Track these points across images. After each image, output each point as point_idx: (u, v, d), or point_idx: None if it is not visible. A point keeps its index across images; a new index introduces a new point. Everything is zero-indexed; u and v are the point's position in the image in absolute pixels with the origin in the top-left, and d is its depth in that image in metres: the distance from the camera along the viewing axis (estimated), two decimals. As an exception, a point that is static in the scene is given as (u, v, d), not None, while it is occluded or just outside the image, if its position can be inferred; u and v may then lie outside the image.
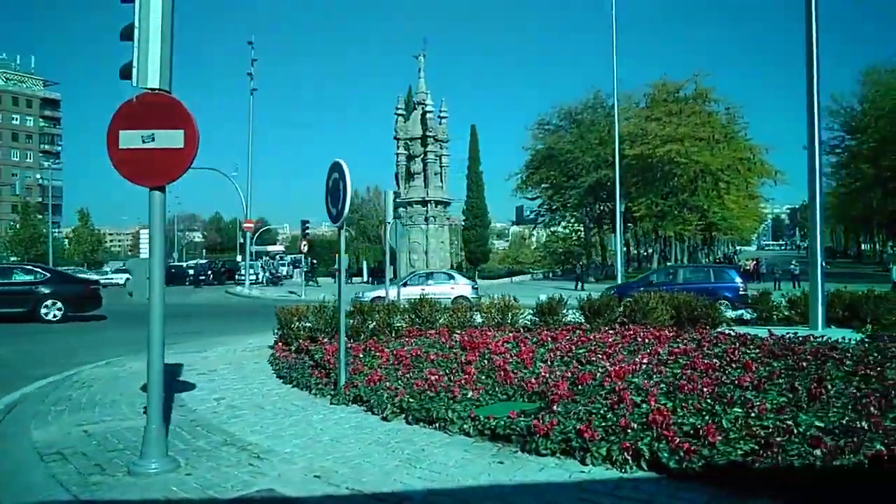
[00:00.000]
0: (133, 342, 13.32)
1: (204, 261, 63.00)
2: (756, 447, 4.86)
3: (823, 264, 12.17)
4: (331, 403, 7.21)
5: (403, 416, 6.43)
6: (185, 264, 58.73)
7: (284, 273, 53.27)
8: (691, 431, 5.26)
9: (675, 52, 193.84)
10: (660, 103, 47.92)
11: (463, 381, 7.16)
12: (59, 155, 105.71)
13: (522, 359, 8.26)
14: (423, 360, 8.60)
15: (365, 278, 50.25)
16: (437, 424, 6.09)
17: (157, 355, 5.25)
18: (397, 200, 39.99)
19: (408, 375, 7.65)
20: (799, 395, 6.35)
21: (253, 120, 40.25)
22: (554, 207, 57.14)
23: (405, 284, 23.57)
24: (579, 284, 38.81)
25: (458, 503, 4.45)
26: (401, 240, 17.59)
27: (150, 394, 5.27)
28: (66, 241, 79.89)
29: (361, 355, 9.14)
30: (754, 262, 47.24)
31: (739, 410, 5.88)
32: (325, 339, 10.52)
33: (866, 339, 9.83)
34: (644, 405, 5.94)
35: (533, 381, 7.10)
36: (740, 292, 19.40)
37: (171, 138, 5.16)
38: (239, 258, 52.02)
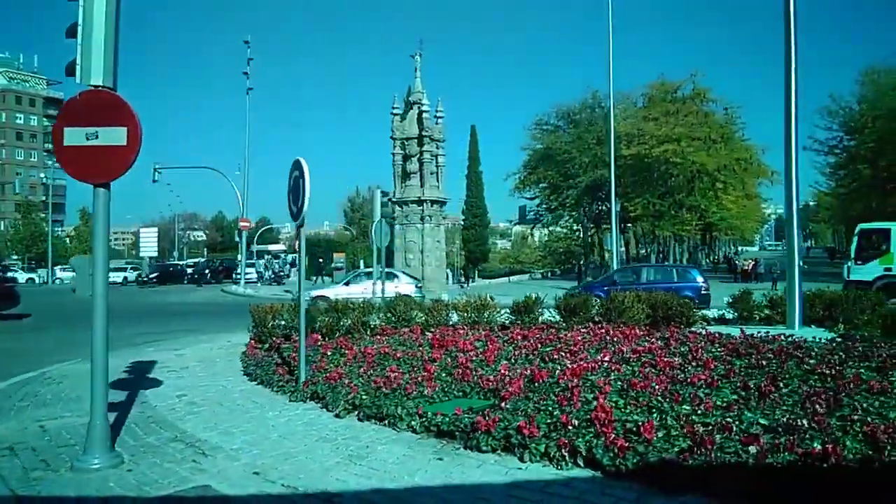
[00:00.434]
0: (113, 340, 13.40)
1: (202, 259, 63.16)
2: (691, 444, 4.87)
3: (801, 264, 12.15)
4: (289, 401, 7.25)
5: (356, 413, 6.46)
6: (183, 263, 58.92)
7: (286, 272, 53.32)
8: (634, 429, 5.28)
9: (675, 52, 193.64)
10: (657, 103, 47.84)
11: (421, 379, 7.18)
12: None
13: (486, 357, 8.27)
14: (390, 357, 8.62)
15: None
16: (387, 421, 6.12)
17: (100, 352, 5.29)
18: (393, 200, 40.00)
19: (369, 373, 7.67)
20: (750, 393, 6.37)
21: (249, 119, 40.31)
22: (552, 207, 57.08)
23: (347, 283, 23.27)
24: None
25: (390, 500, 4.48)
26: (386, 238, 17.59)
27: (93, 390, 5.31)
28: (68, 239, 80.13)
29: (330, 353, 9.17)
30: (752, 262, 47.14)
31: (687, 408, 5.90)
32: (298, 337, 10.55)
33: (837, 339, 9.82)
34: (594, 402, 5.96)
35: (491, 378, 7.12)
36: (702, 292, 19.57)
37: (115, 136, 5.19)
38: (240, 257, 52.10)
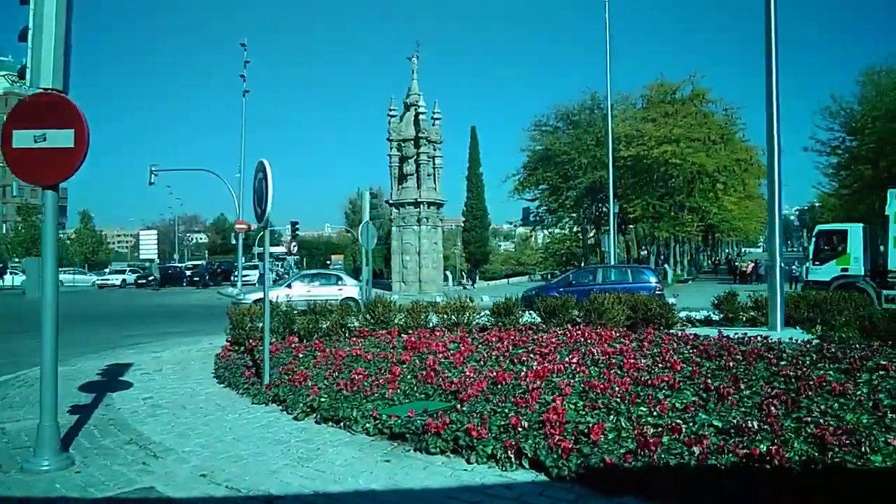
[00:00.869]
0: (97, 343, 13.46)
1: (200, 262, 63.30)
2: (637, 446, 4.84)
3: (782, 266, 12.08)
4: (252, 403, 7.25)
5: (314, 415, 6.46)
6: (182, 265, 59.05)
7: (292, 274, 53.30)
8: (585, 430, 5.25)
9: (675, 53, 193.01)
10: (656, 104, 47.62)
11: (383, 381, 7.17)
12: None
13: (455, 359, 8.25)
14: (361, 360, 8.61)
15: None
16: (343, 424, 6.13)
17: (49, 354, 5.27)
18: (390, 202, 40.02)
19: (334, 375, 7.66)
20: (710, 394, 6.33)
21: (247, 121, 40.29)
22: (552, 209, 56.90)
23: (290, 286, 23.05)
24: None
25: (329, 502, 4.47)
26: (373, 240, 17.59)
27: (42, 393, 5.30)
28: (69, 241, 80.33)
29: (301, 355, 9.17)
30: (752, 263, 46.99)
31: (644, 409, 5.88)
32: (274, 339, 10.56)
33: (814, 340, 9.77)
34: (552, 404, 5.94)
35: (455, 380, 7.10)
36: (656, 292, 19.60)
37: (63, 138, 5.20)
38: (243, 260, 52.15)
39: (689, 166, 44.48)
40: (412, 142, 38.89)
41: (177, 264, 60.23)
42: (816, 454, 4.69)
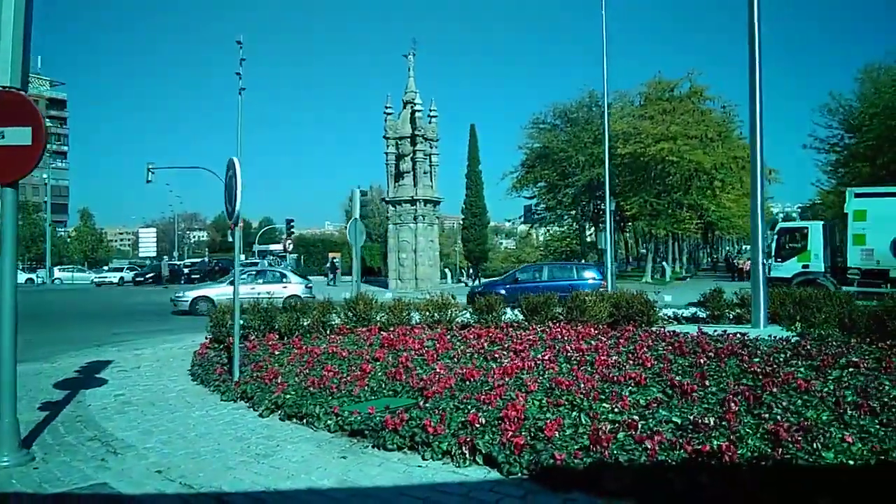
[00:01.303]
0: (84, 340, 13.49)
1: (198, 260, 63.40)
2: (590, 442, 4.84)
3: (765, 262, 12.06)
4: (221, 400, 7.27)
5: (279, 412, 6.47)
6: (181, 263, 59.12)
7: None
8: (543, 426, 5.25)
9: (674, 50, 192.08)
10: (654, 102, 47.52)
11: (352, 378, 7.18)
12: (66, 154, 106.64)
13: (428, 356, 8.26)
14: (336, 357, 8.62)
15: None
16: (306, 420, 6.13)
17: (7, 354, 5.28)
18: (387, 200, 40.05)
19: (305, 372, 7.67)
20: (676, 391, 6.33)
21: (243, 120, 40.19)
22: (550, 206, 56.86)
23: (231, 283, 22.37)
24: None
25: (278, 499, 4.48)
26: (361, 238, 17.60)
27: (1, 390, 5.31)
28: (69, 239, 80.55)
29: (278, 352, 9.18)
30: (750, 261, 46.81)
31: (607, 406, 5.89)
32: (254, 337, 10.59)
33: (793, 337, 9.74)
34: (521, 400, 5.94)
35: (425, 377, 7.11)
36: (600, 289, 19.77)
37: (20, 136, 5.21)
38: (242, 257, 52.15)
39: (687, 164, 44.35)
40: (408, 139, 38.91)
41: (175, 262, 60.23)
42: (770, 451, 4.69)
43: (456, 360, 8.28)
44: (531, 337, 9.71)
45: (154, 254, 64.04)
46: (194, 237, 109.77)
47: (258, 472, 4.92)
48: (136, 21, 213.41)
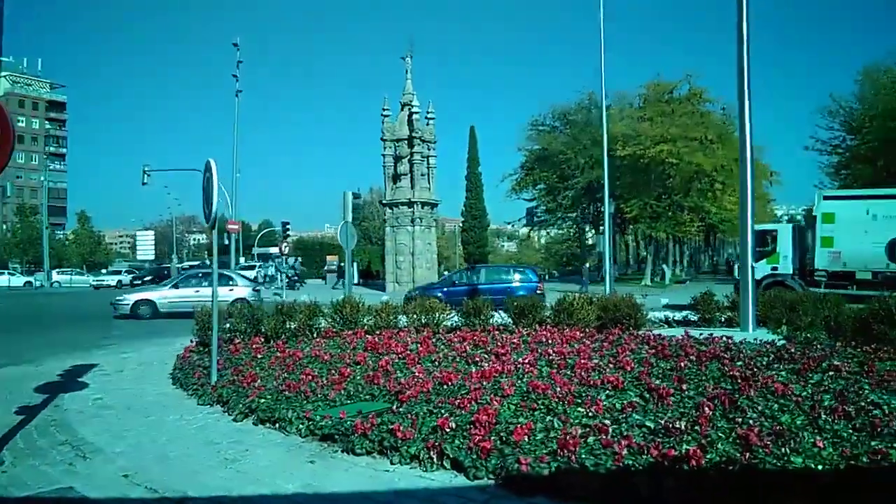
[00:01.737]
0: (73, 344, 13.47)
1: (195, 262, 63.38)
2: (558, 447, 4.80)
3: (753, 265, 12.02)
4: (198, 404, 7.23)
5: (252, 416, 6.43)
6: (179, 266, 59.12)
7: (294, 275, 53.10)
8: (513, 431, 5.21)
9: (674, 52, 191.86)
10: (653, 103, 47.46)
11: (329, 382, 7.14)
12: (65, 157, 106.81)
13: (409, 360, 8.22)
14: (318, 360, 8.58)
15: (356, 279, 50.21)
16: (279, 425, 6.09)
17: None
18: (384, 202, 40.01)
19: (284, 376, 7.64)
20: (653, 395, 6.29)
21: (239, 122, 40.40)
22: (550, 209, 56.80)
23: (176, 286, 22.09)
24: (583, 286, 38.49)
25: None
26: (352, 241, 17.57)
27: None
28: (67, 242, 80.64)
29: (260, 356, 9.14)
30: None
31: (581, 410, 5.85)
32: (239, 340, 10.56)
33: (779, 341, 9.70)
34: (495, 404, 5.91)
35: (402, 381, 7.07)
36: (537, 291, 20.08)
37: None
38: (242, 259, 52.18)
39: (686, 166, 44.27)
40: (406, 141, 38.85)
41: (169, 265, 60.23)
42: (738, 455, 4.65)
43: (437, 363, 8.23)
44: (516, 340, 9.67)
45: (152, 256, 64.11)
46: (193, 240, 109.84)
47: (224, 477, 4.89)
48: (136, 22, 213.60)
